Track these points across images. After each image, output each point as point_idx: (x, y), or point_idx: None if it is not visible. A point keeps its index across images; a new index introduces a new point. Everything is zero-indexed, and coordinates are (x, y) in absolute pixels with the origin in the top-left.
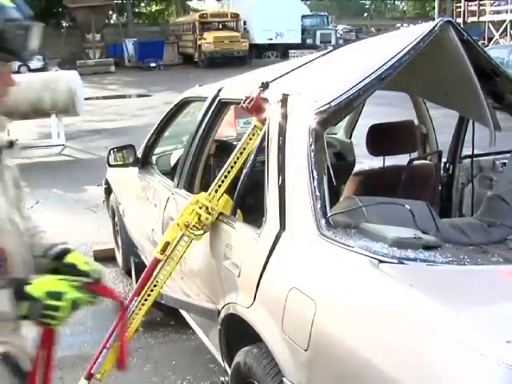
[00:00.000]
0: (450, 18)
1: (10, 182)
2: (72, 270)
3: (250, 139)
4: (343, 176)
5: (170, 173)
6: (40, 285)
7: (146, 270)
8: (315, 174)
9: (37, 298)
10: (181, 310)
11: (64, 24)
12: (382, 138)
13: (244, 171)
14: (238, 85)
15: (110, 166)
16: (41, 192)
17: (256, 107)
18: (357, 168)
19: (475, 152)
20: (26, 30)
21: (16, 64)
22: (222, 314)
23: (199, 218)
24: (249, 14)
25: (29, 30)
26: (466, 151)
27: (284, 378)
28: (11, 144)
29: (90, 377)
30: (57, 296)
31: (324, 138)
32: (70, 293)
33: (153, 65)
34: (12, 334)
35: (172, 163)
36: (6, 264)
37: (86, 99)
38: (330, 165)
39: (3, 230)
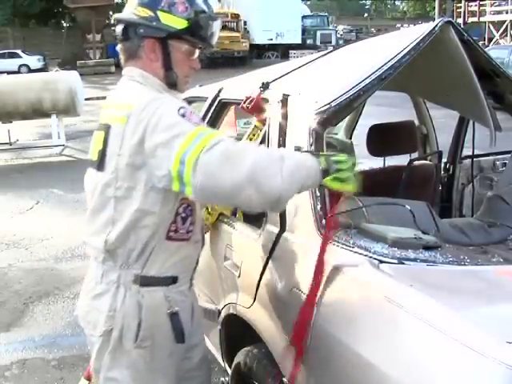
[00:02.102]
0: (451, 19)
1: None
2: None
3: (251, 139)
4: None
5: None
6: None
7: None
8: None
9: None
10: None
11: (64, 24)
12: (383, 139)
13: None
14: (239, 85)
15: None
16: (41, 192)
17: (256, 107)
18: (357, 168)
19: (475, 152)
20: (213, 20)
21: (16, 64)
22: (223, 315)
23: None
24: (249, 14)
25: (215, 20)
26: (467, 151)
27: (284, 379)
28: None
29: (90, 377)
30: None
31: (324, 138)
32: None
33: None
34: (188, 292)
35: None
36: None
37: (86, 99)
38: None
39: None
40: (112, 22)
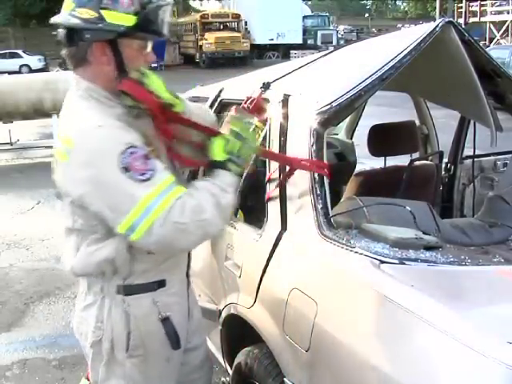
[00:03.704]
0: (451, 19)
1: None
2: None
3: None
4: (344, 176)
5: None
6: (214, 149)
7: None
8: (316, 174)
9: (225, 159)
10: None
11: None
12: (383, 139)
13: (245, 171)
14: (239, 85)
15: None
16: (41, 192)
17: (257, 108)
18: (358, 168)
19: (476, 152)
20: (162, 9)
21: (17, 64)
22: (223, 315)
23: None
24: (250, 14)
25: (164, 8)
26: (468, 152)
27: (285, 379)
28: None
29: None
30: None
31: (325, 139)
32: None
33: (154, 65)
34: (183, 292)
35: None
36: None
37: None
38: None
39: None
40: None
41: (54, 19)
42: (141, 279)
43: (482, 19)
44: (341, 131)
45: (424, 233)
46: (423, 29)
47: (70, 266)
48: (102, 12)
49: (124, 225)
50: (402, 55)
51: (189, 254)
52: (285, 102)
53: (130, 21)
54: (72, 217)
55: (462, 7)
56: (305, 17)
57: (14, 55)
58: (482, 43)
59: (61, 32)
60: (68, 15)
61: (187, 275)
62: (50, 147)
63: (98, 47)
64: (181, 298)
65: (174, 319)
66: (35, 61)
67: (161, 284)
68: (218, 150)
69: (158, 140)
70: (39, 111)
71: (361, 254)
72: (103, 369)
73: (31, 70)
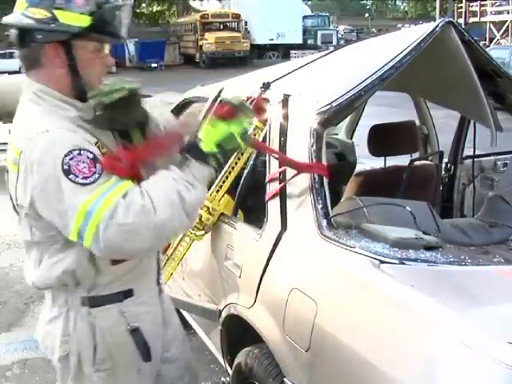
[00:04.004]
0: (451, 19)
1: None
2: None
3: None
4: (344, 176)
5: None
6: (209, 134)
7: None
8: (316, 174)
9: (211, 152)
10: (182, 311)
11: None
12: (384, 139)
13: (245, 171)
14: (239, 85)
15: None
16: None
17: (257, 108)
18: (358, 168)
19: (476, 152)
20: (120, 10)
21: (17, 64)
22: (223, 315)
23: (200, 219)
24: (250, 14)
25: (122, 9)
26: (468, 152)
27: (285, 379)
28: None
29: None
30: (228, 139)
31: (324, 139)
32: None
33: (154, 65)
34: (154, 300)
35: None
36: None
37: None
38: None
39: None
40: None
41: (5, 19)
42: (106, 290)
43: (482, 19)
44: (341, 131)
45: (424, 233)
46: (423, 29)
47: (31, 280)
48: (55, 12)
49: (73, 233)
50: (402, 55)
51: (158, 261)
52: (285, 102)
53: (84, 21)
54: (29, 229)
55: (461, 7)
56: (305, 17)
57: (14, 55)
58: (482, 43)
59: (13, 33)
60: (20, 15)
61: (158, 283)
62: None
63: (50, 49)
64: (151, 306)
65: (145, 329)
66: None
67: (127, 294)
68: (208, 139)
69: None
70: None
71: (361, 254)
72: (71, 383)
73: None
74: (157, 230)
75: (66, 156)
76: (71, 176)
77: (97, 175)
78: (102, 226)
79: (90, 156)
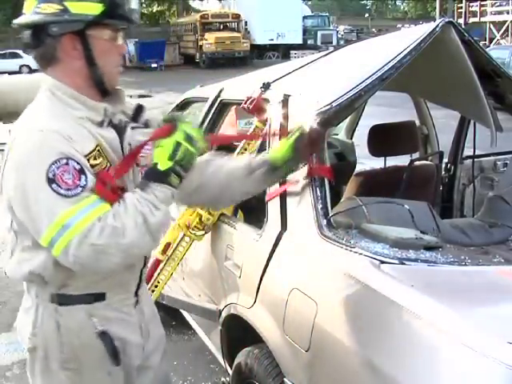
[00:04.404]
0: (451, 19)
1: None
2: None
3: (252, 140)
4: (344, 176)
5: None
6: (159, 154)
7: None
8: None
9: (170, 168)
10: (182, 311)
11: None
12: (383, 139)
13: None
14: (239, 85)
15: None
16: None
17: (257, 108)
18: (358, 168)
19: (476, 152)
20: None
21: (17, 64)
22: (223, 315)
23: (200, 219)
24: (250, 14)
25: None
26: (468, 152)
27: (285, 379)
28: (137, 113)
29: None
30: (177, 150)
31: (325, 139)
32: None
33: (154, 65)
34: (130, 309)
35: None
36: None
37: None
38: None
39: None
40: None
41: (16, 21)
42: (75, 291)
43: (482, 19)
44: (341, 131)
45: (424, 233)
46: (423, 29)
47: (4, 269)
48: (66, 4)
49: (44, 239)
50: (402, 55)
51: (141, 274)
52: (285, 102)
53: (96, 9)
54: (9, 215)
55: (461, 7)
56: (305, 17)
57: (14, 55)
58: (481, 43)
59: (26, 33)
60: (31, 14)
61: (136, 294)
62: None
63: (66, 41)
64: (126, 315)
65: (115, 334)
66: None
67: (99, 297)
68: (161, 156)
69: (121, 156)
70: None
71: (361, 254)
72: (39, 377)
73: (31, 70)
74: (125, 251)
75: (52, 164)
76: (54, 185)
77: (79, 188)
78: (76, 241)
79: (77, 167)
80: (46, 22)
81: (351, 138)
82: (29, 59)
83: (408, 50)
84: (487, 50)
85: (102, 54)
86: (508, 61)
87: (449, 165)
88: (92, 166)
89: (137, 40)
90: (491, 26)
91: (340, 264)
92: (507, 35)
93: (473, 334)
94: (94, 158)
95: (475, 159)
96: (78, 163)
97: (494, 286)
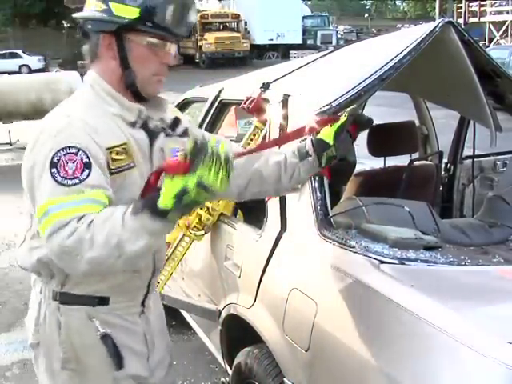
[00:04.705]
0: (451, 19)
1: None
2: None
3: (251, 140)
4: (344, 176)
5: None
6: (166, 194)
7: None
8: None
9: (169, 209)
10: (181, 311)
11: (65, 24)
12: (383, 139)
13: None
14: (239, 85)
15: None
16: None
17: (257, 108)
18: (358, 168)
19: (476, 152)
20: (172, 3)
21: (17, 64)
22: (223, 315)
23: (200, 219)
24: (250, 14)
25: (176, 3)
26: (467, 152)
27: (285, 379)
28: (174, 124)
29: None
30: (183, 194)
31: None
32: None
33: None
34: (135, 318)
35: None
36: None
37: None
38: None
39: None
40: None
41: (75, 14)
42: (77, 289)
43: (482, 19)
44: None
45: (424, 233)
46: (423, 29)
47: (16, 256)
48: (110, 4)
49: (36, 218)
50: (401, 55)
51: (149, 284)
52: (284, 102)
53: (132, 13)
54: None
55: (461, 7)
56: (304, 17)
57: (14, 55)
58: (481, 43)
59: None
60: (85, 9)
61: (143, 304)
62: None
63: (105, 40)
64: (131, 323)
65: (118, 340)
66: (35, 61)
67: (102, 301)
68: (167, 192)
69: (149, 159)
70: (39, 111)
71: (360, 254)
72: (45, 375)
73: (31, 70)
74: (90, 263)
75: (62, 149)
76: (53, 170)
77: (76, 180)
78: (48, 231)
79: (84, 160)
80: (86, 18)
81: None
82: (28, 59)
83: (408, 50)
84: (487, 50)
85: (137, 59)
86: (508, 61)
87: (448, 165)
88: (113, 161)
89: None
90: (491, 26)
91: (340, 264)
92: (507, 35)
93: (473, 334)
94: (116, 152)
95: (475, 159)
96: (87, 156)
97: (494, 286)
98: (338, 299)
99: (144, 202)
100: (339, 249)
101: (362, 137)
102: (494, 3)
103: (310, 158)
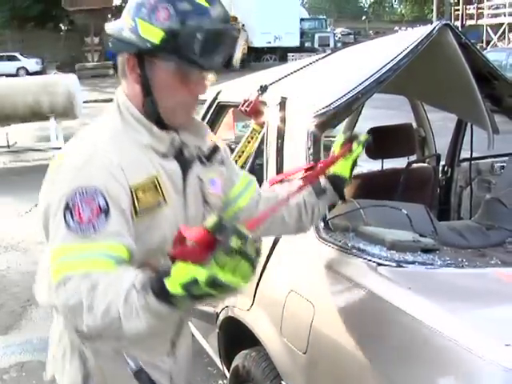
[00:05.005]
0: (449, 21)
1: (193, 199)
2: None
3: (249, 142)
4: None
5: None
6: (174, 279)
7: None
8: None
9: (178, 296)
10: None
11: (63, 27)
12: (381, 141)
13: None
14: (237, 88)
15: None
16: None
17: (254, 110)
18: (355, 171)
19: (474, 155)
20: (203, 32)
21: (15, 67)
22: (221, 317)
23: None
24: (247, 17)
25: (208, 32)
26: (465, 154)
27: (283, 381)
28: (212, 153)
29: None
30: (193, 285)
31: (322, 141)
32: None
33: None
34: (159, 356)
35: None
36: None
37: (84, 102)
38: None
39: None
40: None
41: (108, 29)
42: None
43: (479, 22)
44: (338, 134)
45: (421, 235)
46: (420, 31)
47: (34, 289)
48: (138, 21)
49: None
50: (399, 58)
51: (181, 322)
52: (282, 104)
53: (156, 37)
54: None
55: (458, 10)
56: (302, 20)
57: (12, 58)
58: (478, 46)
59: None
60: (117, 23)
61: (173, 343)
62: (48, 150)
63: (130, 60)
64: (158, 361)
65: (149, 372)
66: (33, 63)
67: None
68: (176, 277)
69: (182, 192)
70: (37, 114)
71: (358, 256)
72: None
73: (28, 73)
74: (89, 327)
75: (78, 191)
76: (68, 214)
77: (91, 229)
78: (57, 283)
79: (102, 204)
80: (111, 35)
81: None
82: (26, 62)
83: (405, 52)
84: (484, 52)
85: (160, 86)
86: (505, 63)
87: (446, 167)
88: (139, 200)
89: None
90: (488, 29)
91: (337, 266)
92: (504, 37)
93: (470, 336)
94: (143, 190)
95: (472, 161)
96: (105, 201)
97: (492, 289)
98: (335, 302)
99: (152, 280)
100: (337, 251)
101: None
102: (492, 6)
103: (327, 194)
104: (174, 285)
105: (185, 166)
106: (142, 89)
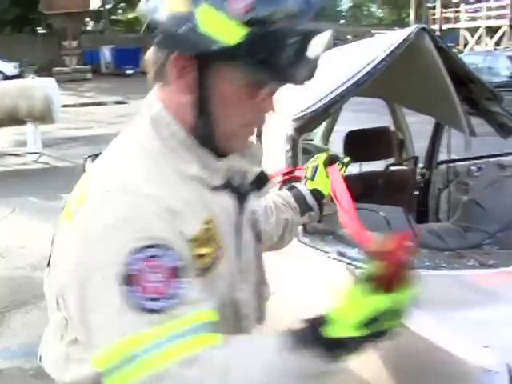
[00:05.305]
0: (425, 25)
1: (248, 240)
2: None
3: None
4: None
5: None
6: (344, 318)
7: None
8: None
9: (351, 338)
10: None
11: (40, 31)
12: (359, 144)
13: None
14: None
15: None
16: (17, 200)
17: None
18: None
19: (451, 157)
20: (298, 36)
21: (15, 69)
22: None
23: None
24: None
25: (304, 37)
26: (443, 157)
27: None
28: (262, 182)
29: None
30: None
31: (300, 145)
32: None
33: (130, 72)
34: None
35: None
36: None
37: (62, 106)
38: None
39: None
40: (88, 28)
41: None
42: None
43: (457, 25)
44: (316, 137)
45: None
46: (398, 35)
47: (43, 354)
48: (198, 10)
49: (97, 360)
50: (376, 61)
51: None
52: None
53: (231, 36)
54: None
55: (435, 13)
56: None
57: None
58: (455, 49)
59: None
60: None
61: None
62: (25, 155)
63: (178, 62)
64: None
65: None
66: (10, 67)
67: None
68: (345, 320)
69: (236, 232)
70: (14, 118)
71: (336, 259)
72: None
73: (6, 77)
74: None
75: (132, 253)
76: (128, 289)
77: (171, 300)
78: None
79: (176, 263)
80: (154, 23)
81: (327, 144)
82: (3, 66)
83: (383, 56)
84: (461, 55)
85: (224, 103)
86: (482, 66)
87: (424, 170)
88: (197, 258)
89: (113, 46)
90: (465, 32)
91: (316, 269)
92: (481, 41)
93: (449, 339)
94: (199, 244)
95: (450, 164)
96: (179, 257)
97: (469, 291)
98: (315, 304)
99: (302, 334)
100: (315, 255)
101: (339, 142)
102: (469, 9)
103: (312, 213)
104: (343, 328)
105: (240, 199)
106: (195, 103)
